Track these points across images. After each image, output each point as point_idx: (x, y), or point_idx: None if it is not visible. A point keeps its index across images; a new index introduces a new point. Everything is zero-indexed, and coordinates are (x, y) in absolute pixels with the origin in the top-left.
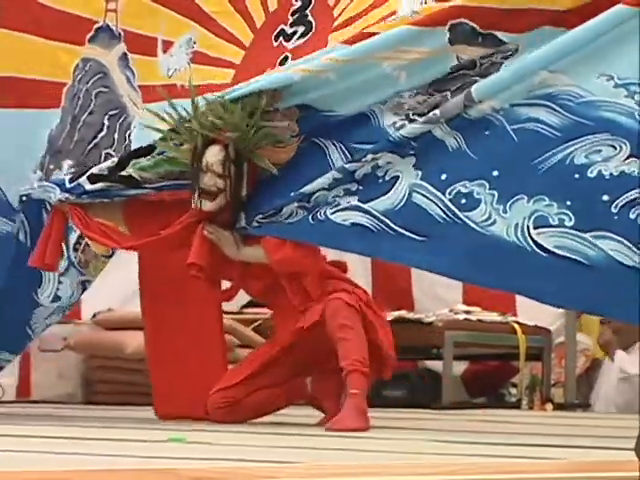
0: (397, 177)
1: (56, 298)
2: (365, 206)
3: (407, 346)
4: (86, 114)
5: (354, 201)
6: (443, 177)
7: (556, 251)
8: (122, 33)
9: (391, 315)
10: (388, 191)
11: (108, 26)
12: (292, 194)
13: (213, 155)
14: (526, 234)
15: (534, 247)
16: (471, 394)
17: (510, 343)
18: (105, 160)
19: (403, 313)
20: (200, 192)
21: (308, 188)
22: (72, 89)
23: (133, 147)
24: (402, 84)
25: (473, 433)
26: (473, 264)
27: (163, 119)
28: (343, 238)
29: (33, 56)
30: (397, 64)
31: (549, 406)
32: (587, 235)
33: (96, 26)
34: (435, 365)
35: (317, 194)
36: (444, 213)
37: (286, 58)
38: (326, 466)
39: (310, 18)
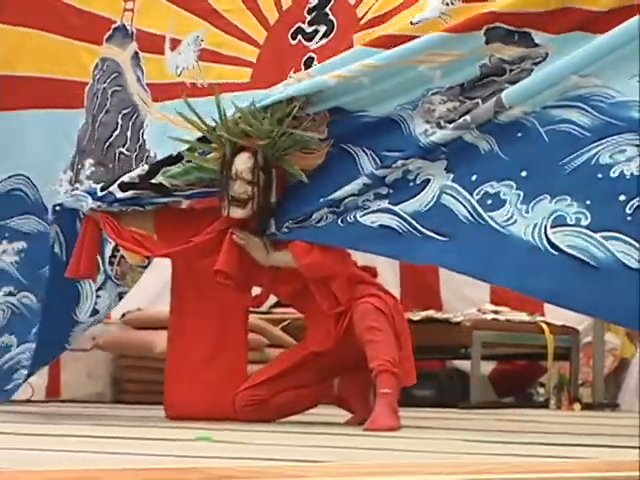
0: (428, 180)
1: (94, 312)
2: (395, 208)
3: (435, 346)
4: (103, 113)
5: (385, 204)
6: (473, 178)
7: (567, 250)
8: (134, 32)
9: (419, 315)
10: (418, 193)
11: (124, 25)
12: (322, 200)
13: (242, 163)
14: (542, 234)
15: (547, 246)
16: (499, 394)
17: (538, 343)
18: (119, 159)
19: (431, 313)
20: (230, 200)
21: (338, 194)
22: (92, 88)
23: (148, 146)
24: (436, 82)
25: (502, 433)
26: (491, 264)
27: (194, 125)
28: (371, 241)
29: (61, 56)
30: (433, 66)
31: (577, 406)
32: (597, 235)
33: (114, 26)
34: (463, 365)
35: (347, 200)
36: (469, 214)
37: (311, 59)
38: (357, 465)
39: (331, 17)
